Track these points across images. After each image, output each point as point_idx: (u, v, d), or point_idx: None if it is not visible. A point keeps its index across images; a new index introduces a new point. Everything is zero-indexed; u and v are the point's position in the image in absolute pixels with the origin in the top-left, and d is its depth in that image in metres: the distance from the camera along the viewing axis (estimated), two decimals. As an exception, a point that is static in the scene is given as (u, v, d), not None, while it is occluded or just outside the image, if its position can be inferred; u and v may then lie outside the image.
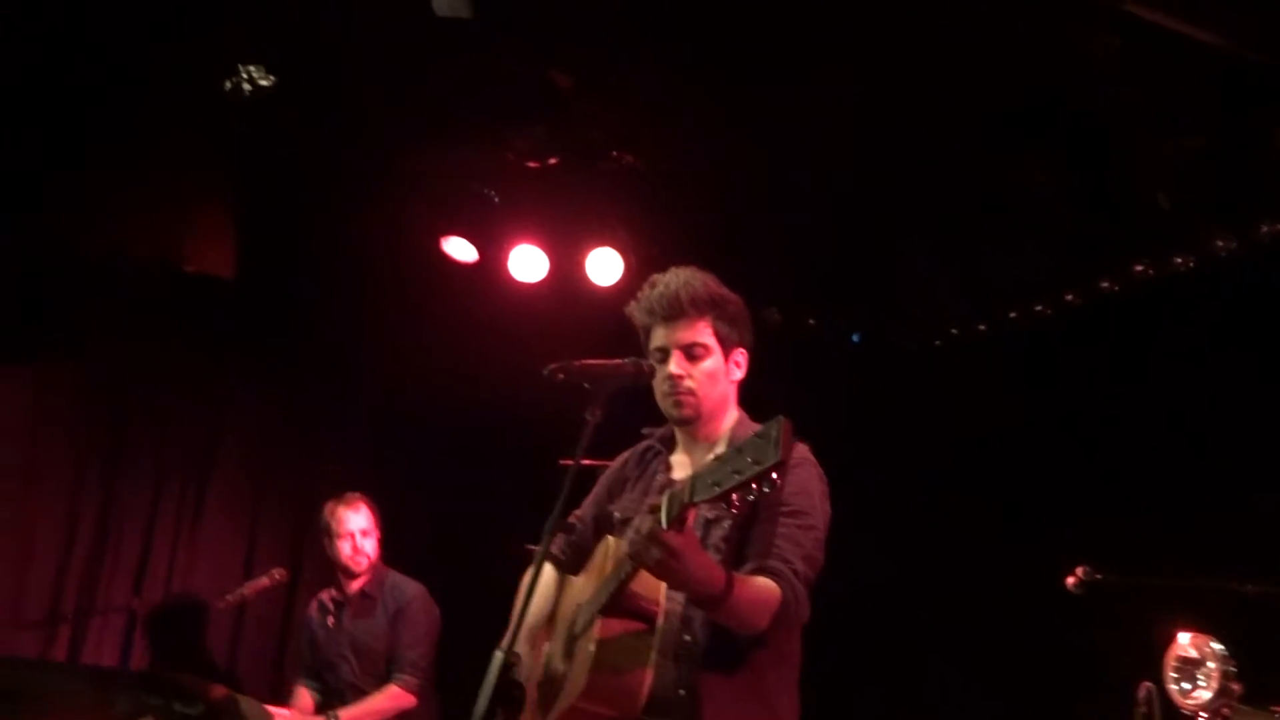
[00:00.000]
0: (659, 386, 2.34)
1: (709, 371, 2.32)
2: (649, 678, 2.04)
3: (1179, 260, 4.55)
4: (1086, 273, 4.91)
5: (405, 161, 4.88)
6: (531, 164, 4.62)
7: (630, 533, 2.04)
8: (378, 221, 5.12)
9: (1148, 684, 2.79)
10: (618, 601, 2.04)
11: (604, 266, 5.10)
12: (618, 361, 2.25)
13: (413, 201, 5.09)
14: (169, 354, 5.22)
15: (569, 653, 2.21)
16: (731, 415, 2.40)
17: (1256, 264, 4.25)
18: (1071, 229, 4.65)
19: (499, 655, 1.93)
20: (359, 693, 4.20)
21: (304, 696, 4.33)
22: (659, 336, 2.36)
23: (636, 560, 1.94)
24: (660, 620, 2.08)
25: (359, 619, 4.28)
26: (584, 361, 2.21)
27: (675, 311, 2.33)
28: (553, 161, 4.62)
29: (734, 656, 2.14)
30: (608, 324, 2.55)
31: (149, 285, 4.84)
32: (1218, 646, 2.64)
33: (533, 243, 5.15)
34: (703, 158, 4.79)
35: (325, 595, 4.42)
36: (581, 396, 2.20)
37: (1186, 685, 2.66)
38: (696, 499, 1.80)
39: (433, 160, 4.86)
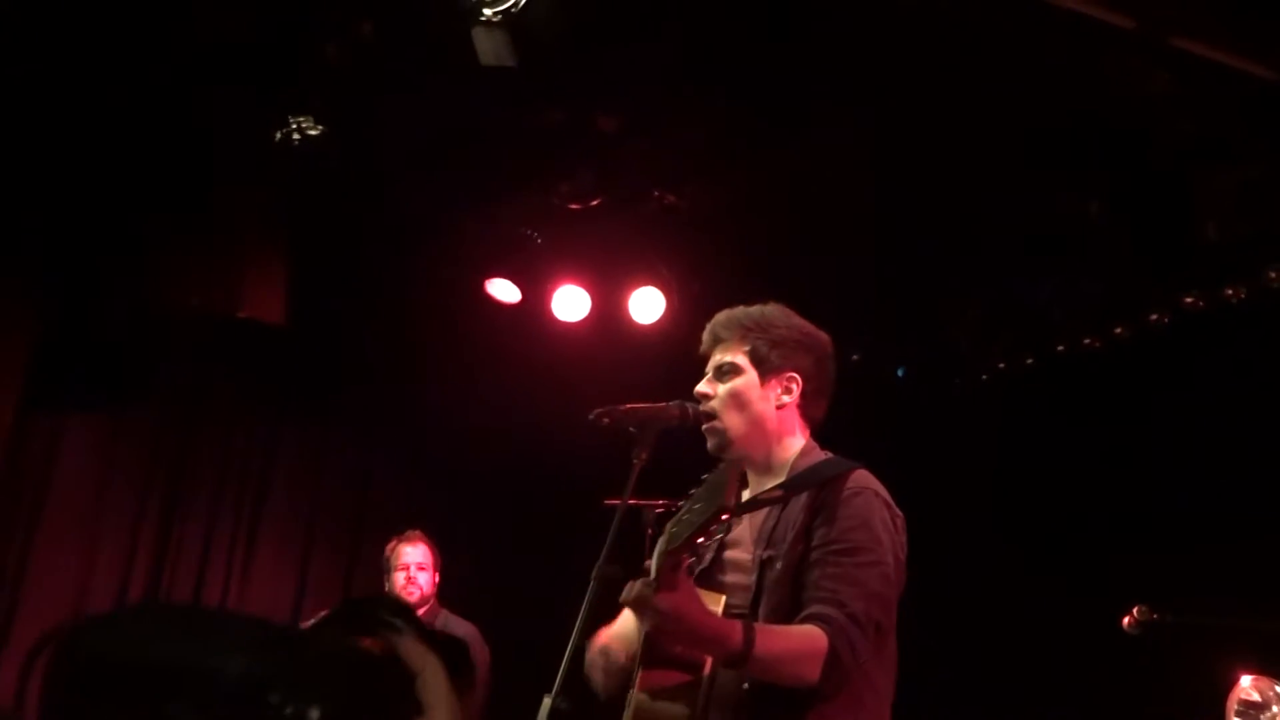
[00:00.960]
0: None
1: (734, 391, 2.25)
2: None
3: (1229, 292, 4.48)
4: (1135, 305, 4.85)
5: (452, 206, 4.96)
6: (574, 206, 4.67)
7: (730, 576, 2.08)
8: (424, 264, 5.19)
9: (1209, 728, 2.72)
10: (652, 652, 2.00)
11: (646, 305, 5.13)
12: (663, 405, 2.25)
13: (458, 244, 5.16)
14: (225, 399, 5.35)
15: (626, 703, 2.15)
16: (793, 443, 2.29)
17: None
18: (1119, 261, 4.60)
19: (547, 702, 1.93)
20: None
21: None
22: (712, 361, 2.35)
23: (639, 622, 1.95)
24: (707, 670, 2.03)
25: None
26: (629, 406, 2.21)
27: (713, 339, 2.34)
28: (595, 203, 4.66)
29: (794, 709, 2.03)
30: (651, 362, 2.57)
31: (205, 333, 4.96)
32: (1282, 689, 2.57)
33: (575, 283, 5.19)
34: (745, 195, 4.81)
35: None
36: (628, 439, 2.21)
37: (1250, 730, 2.59)
38: (668, 548, 1.83)
39: (479, 205, 4.94)
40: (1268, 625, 2.92)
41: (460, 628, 4.34)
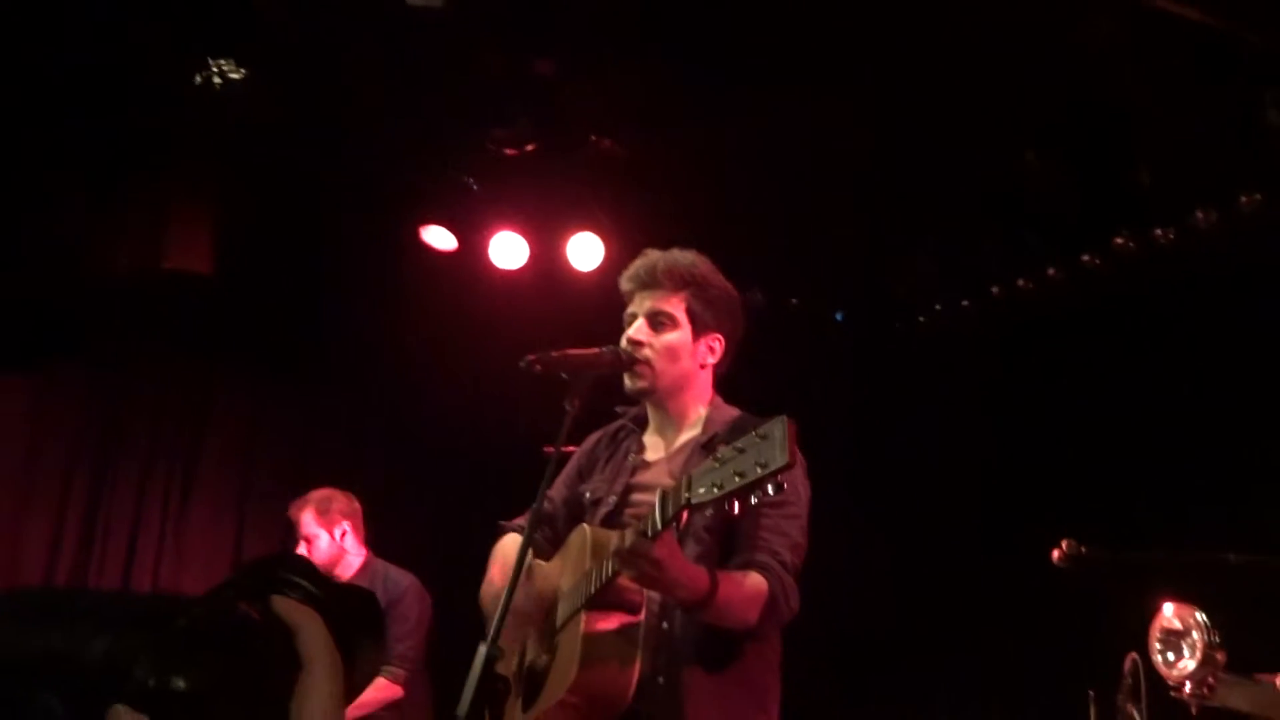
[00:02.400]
0: (622, 356, 2.33)
1: (670, 344, 2.31)
2: (635, 668, 2.04)
3: (1159, 233, 4.55)
4: (1068, 248, 4.92)
5: (386, 152, 4.85)
6: (510, 151, 4.59)
7: (615, 534, 2.01)
8: (356, 212, 5.08)
9: (1133, 655, 2.80)
10: (603, 595, 2.03)
11: (585, 252, 5.09)
12: (595, 351, 2.24)
13: (391, 191, 5.06)
14: (155, 354, 5.23)
15: (550, 646, 2.20)
16: (704, 398, 2.38)
17: (1237, 236, 4.26)
18: (1054, 204, 4.65)
19: (483, 650, 1.92)
20: (349, 684, 4.19)
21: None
22: (634, 303, 2.36)
23: (622, 570, 1.93)
24: (643, 613, 2.08)
25: None
26: (561, 352, 2.20)
27: (651, 280, 2.34)
28: (531, 148, 4.59)
29: (714, 645, 2.13)
30: (590, 310, 2.55)
31: (131, 287, 4.82)
32: (1202, 617, 2.64)
33: (513, 229, 5.13)
34: (683, 141, 4.77)
35: None
36: (561, 386, 2.19)
37: (1171, 656, 2.66)
38: (695, 501, 1.76)
39: (413, 151, 4.84)
40: (1189, 556, 3.01)
41: (402, 579, 4.32)
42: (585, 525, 2.25)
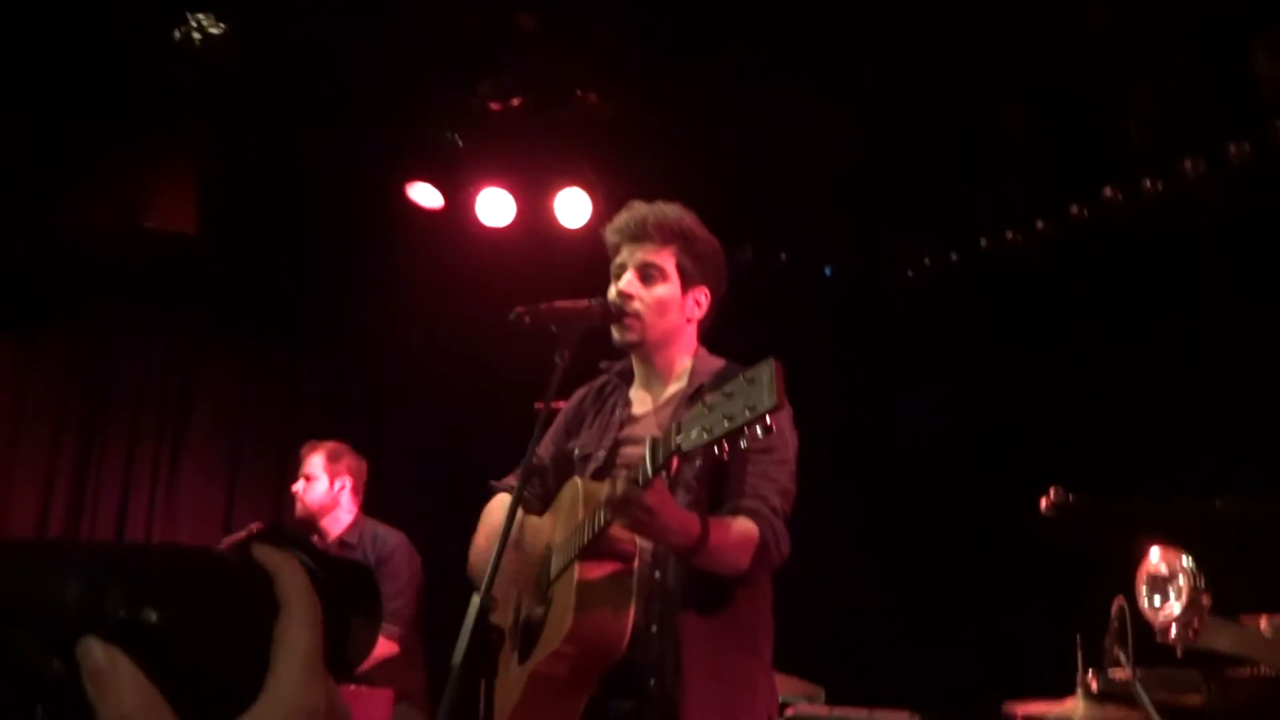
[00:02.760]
0: (611, 308, 2.31)
1: (660, 298, 2.30)
2: (630, 615, 2.05)
3: (1148, 183, 4.55)
4: (1057, 199, 4.91)
5: (369, 109, 4.80)
6: (495, 106, 4.55)
7: (607, 483, 2.00)
8: (341, 169, 5.04)
9: (1120, 600, 2.83)
10: (597, 545, 2.04)
11: (572, 208, 5.06)
12: (584, 303, 2.23)
13: (376, 148, 5.01)
14: (140, 315, 5.19)
15: (544, 598, 2.21)
16: (690, 350, 2.38)
17: (1225, 185, 4.26)
18: (1041, 156, 4.63)
19: (476, 600, 1.93)
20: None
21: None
22: (621, 255, 2.34)
23: (614, 518, 1.93)
24: (636, 562, 2.09)
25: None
26: (550, 304, 2.19)
27: (640, 233, 2.32)
28: (516, 103, 4.55)
29: (706, 592, 2.15)
30: (578, 266, 2.53)
31: (114, 247, 4.77)
32: (1188, 561, 2.67)
33: (499, 186, 5.09)
34: (669, 95, 4.73)
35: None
36: (550, 339, 2.18)
37: (1158, 600, 2.69)
38: (685, 447, 1.76)
39: (397, 107, 4.78)
40: (1176, 503, 3.04)
41: (391, 537, 4.33)
42: (577, 478, 2.25)
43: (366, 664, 4.28)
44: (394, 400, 5.46)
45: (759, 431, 1.67)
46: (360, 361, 5.54)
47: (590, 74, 4.69)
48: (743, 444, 1.71)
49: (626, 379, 2.45)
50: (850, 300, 5.63)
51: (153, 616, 0.49)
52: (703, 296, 2.37)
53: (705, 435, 1.71)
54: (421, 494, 4.91)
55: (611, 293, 2.33)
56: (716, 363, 2.35)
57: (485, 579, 1.94)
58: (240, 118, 4.72)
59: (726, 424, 1.67)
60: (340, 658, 0.58)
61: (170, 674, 0.49)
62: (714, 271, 2.38)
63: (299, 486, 4.33)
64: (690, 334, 2.39)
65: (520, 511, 2.40)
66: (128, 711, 0.47)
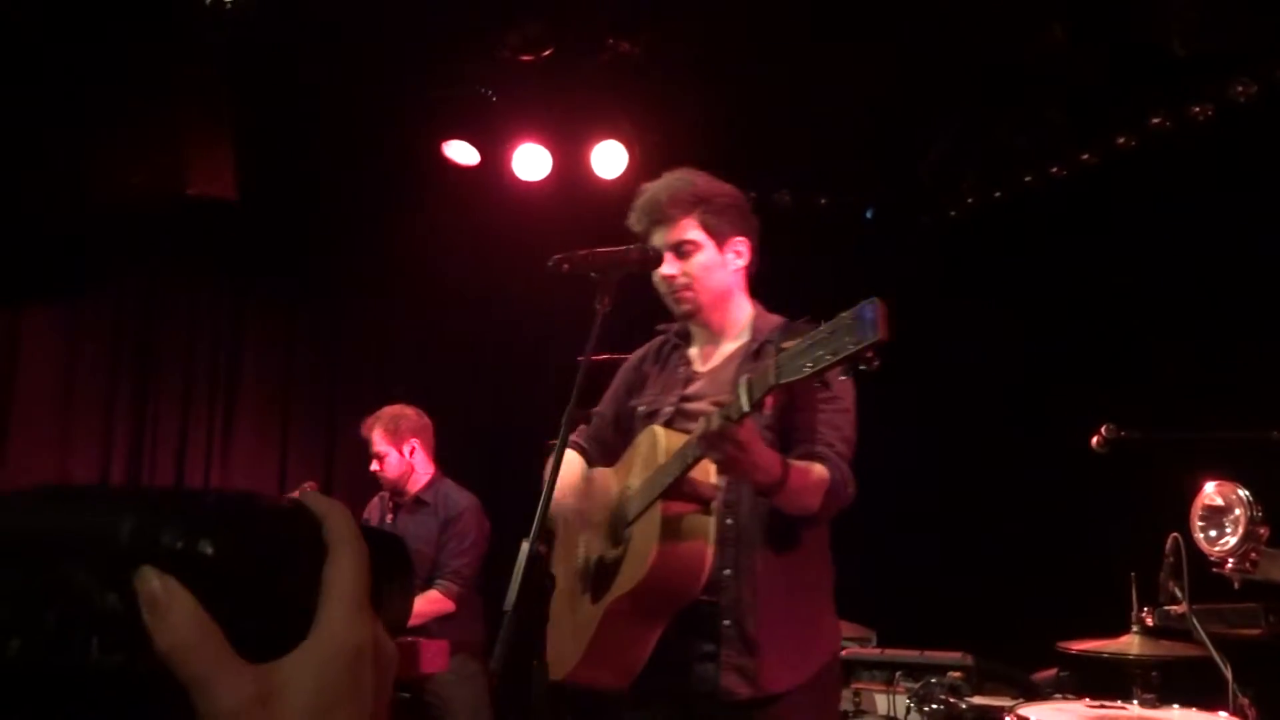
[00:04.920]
0: (660, 289, 2.40)
1: (702, 265, 2.37)
2: (709, 555, 2.13)
3: (1197, 110, 4.42)
4: (1102, 130, 4.79)
5: (401, 67, 4.78)
6: (525, 58, 4.51)
7: (700, 421, 2.05)
8: (378, 130, 5.04)
9: (1175, 535, 2.80)
10: (678, 487, 2.10)
11: (609, 159, 5.04)
12: (622, 249, 2.24)
13: (411, 107, 5.00)
14: (184, 281, 5.26)
15: (617, 539, 2.27)
16: (744, 305, 2.44)
17: (1277, 109, 4.13)
18: (1084, 85, 4.51)
19: (525, 547, 1.95)
20: (401, 593, 4.30)
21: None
22: (653, 241, 2.39)
23: (707, 453, 1.98)
24: (716, 504, 2.15)
25: (411, 521, 4.38)
26: (588, 250, 2.19)
27: (659, 214, 2.37)
28: (547, 54, 4.50)
29: (778, 536, 2.23)
30: (616, 217, 2.53)
31: (157, 215, 4.82)
32: (1244, 493, 2.63)
33: (535, 141, 5.07)
34: (701, 41, 4.66)
35: (387, 494, 4.52)
36: (590, 287, 2.19)
37: (1214, 533, 2.66)
38: (784, 380, 1.79)
39: (429, 65, 4.76)
40: (1230, 434, 2.99)
41: (462, 498, 4.39)
42: (655, 426, 2.30)
43: (425, 618, 4.38)
44: (437, 357, 5.51)
45: (863, 365, 1.69)
46: (403, 319, 5.59)
47: (620, 20, 4.63)
48: (842, 377, 1.75)
49: (685, 339, 2.51)
50: (892, 241, 5.56)
51: (209, 549, 0.49)
52: (741, 245, 2.41)
53: (809, 368, 1.74)
54: (466, 449, 4.94)
55: (658, 281, 2.39)
56: (775, 319, 2.41)
57: (534, 527, 1.97)
58: (274, 82, 4.73)
59: (830, 358, 1.70)
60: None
61: (225, 606, 0.49)
62: (742, 218, 2.43)
63: (375, 467, 4.39)
64: (741, 284, 2.44)
65: (583, 463, 2.52)
66: (183, 639, 0.48)
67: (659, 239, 2.37)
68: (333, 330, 5.59)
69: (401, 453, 4.38)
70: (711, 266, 2.36)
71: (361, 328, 5.61)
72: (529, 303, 5.00)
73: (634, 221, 2.42)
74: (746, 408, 1.88)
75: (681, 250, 2.36)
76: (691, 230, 2.36)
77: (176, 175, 4.45)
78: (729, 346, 2.41)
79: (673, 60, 4.78)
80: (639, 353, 2.59)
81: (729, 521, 2.21)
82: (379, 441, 4.37)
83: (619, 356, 2.89)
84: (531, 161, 5.09)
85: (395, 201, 5.27)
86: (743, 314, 2.42)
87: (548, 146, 5.09)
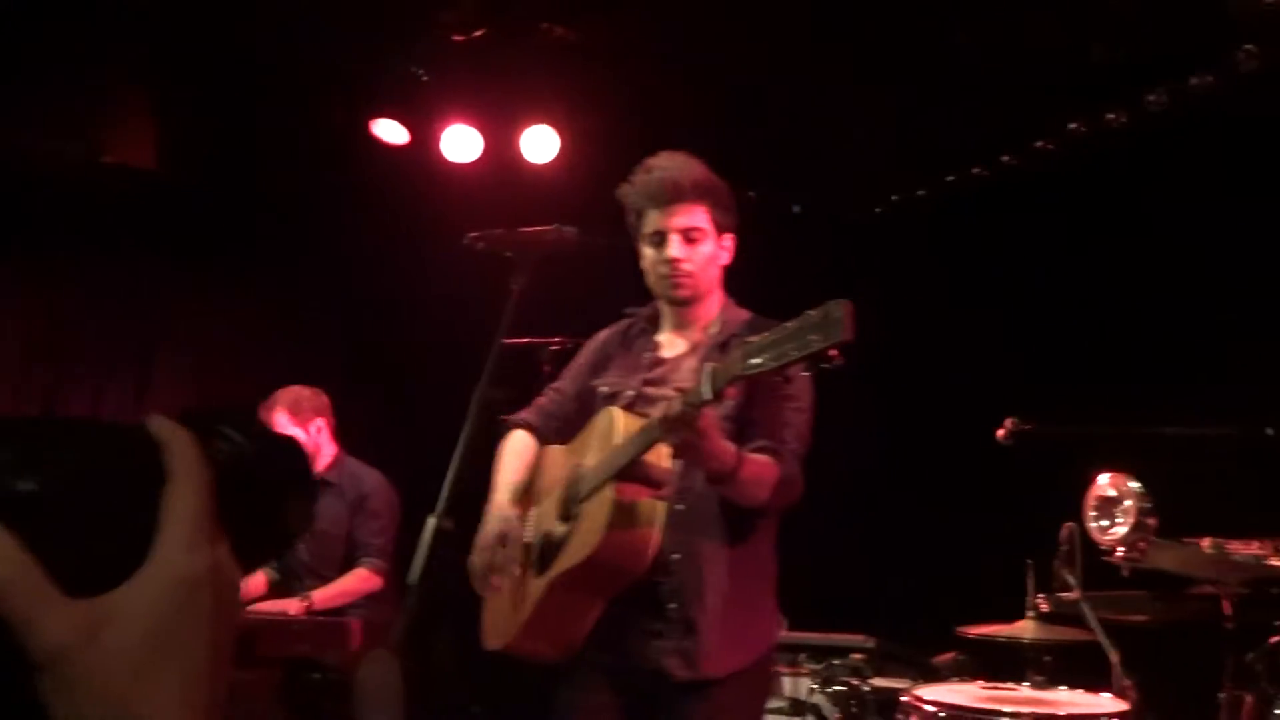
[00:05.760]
0: (653, 269, 2.41)
1: (706, 254, 2.39)
2: (655, 538, 2.16)
3: (1111, 116, 4.56)
4: (1022, 133, 4.92)
5: (330, 43, 4.72)
6: (458, 37, 4.49)
7: (660, 405, 2.08)
8: (304, 104, 4.97)
9: (1070, 525, 2.90)
10: (632, 469, 2.14)
11: (540, 143, 5.03)
12: (540, 229, 2.25)
13: (340, 82, 4.94)
14: (100, 251, 5.13)
15: (568, 515, 2.30)
16: (720, 298, 2.48)
17: (1188, 118, 4.28)
18: (1006, 88, 4.63)
19: (431, 521, 1.97)
20: (313, 575, 4.26)
21: (258, 575, 4.40)
22: (654, 220, 2.39)
23: (666, 436, 2.01)
24: (668, 489, 2.20)
25: (318, 503, 4.34)
26: (505, 230, 2.20)
27: (676, 195, 2.36)
28: (480, 34, 4.49)
29: (727, 524, 2.28)
30: (546, 201, 2.55)
31: (72, 181, 4.70)
32: (1135, 485, 2.73)
33: (465, 122, 5.05)
34: (638, 29, 4.68)
35: None
36: (507, 265, 2.20)
37: (1105, 523, 2.76)
38: (748, 372, 1.83)
39: (359, 41, 4.71)
40: (1126, 429, 3.11)
41: (369, 476, 4.36)
42: (614, 409, 2.33)
43: (356, 596, 4.38)
44: (361, 336, 5.46)
45: (825, 363, 1.75)
46: (326, 298, 5.52)
47: (557, 4, 4.62)
48: (805, 373, 1.81)
49: (653, 324, 2.53)
50: (818, 237, 5.64)
51: (30, 486, 0.49)
52: (729, 242, 2.46)
53: (773, 362, 1.78)
54: (389, 430, 4.92)
55: (653, 261, 2.40)
56: (744, 314, 2.46)
57: (441, 500, 1.99)
58: (201, 50, 4.63)
59: (795, 353, 1.74)
60: (276, 531, 0.59)
61: (47, 544, 0.48)
62: (734, 216, 2.48)
63: None
64: (720, 278, 2.49)
65: (534, 441, 2.55)
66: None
67: (663, 219, 2.36)
68: (253, 308, 5.50)
69: (308, 432, 4.34)
70: (712, 258, 2.41)
71: (282, 306, 5.53)
72: (453, 283, 4.98)
73: (638, 196, 2.41)
74: (708, 395, 1.91)
75: (691, 236, 2.37)
76: (702, 219, 2.38)
77: (93, 142, 4.34)
78: (697, 336, 2.45)
79: (608, 46, 4.79)
80: (604, 333, 2.61)
81: (680, 507, 2.24)
82: (283, 424, 4.32)
83: (547, 340, 2.91)
84: (462, 143, 5.06)
85: (321, 178, 5.20)
86: (716, 307, 2.47)
87: (479, 128, 5.06)
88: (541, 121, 5.02)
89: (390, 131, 5.05)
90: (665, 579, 2.22)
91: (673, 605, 2.22)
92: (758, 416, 2.27)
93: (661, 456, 2.15)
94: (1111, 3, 4.12)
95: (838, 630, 3.84)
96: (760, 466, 2.18)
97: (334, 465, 4.38)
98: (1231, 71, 4.08)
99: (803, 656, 3.61)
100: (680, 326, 2.47)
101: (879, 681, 3.37)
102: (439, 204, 5.12)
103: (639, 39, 4.72)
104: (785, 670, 3.69)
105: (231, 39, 4.61)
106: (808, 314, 1.76)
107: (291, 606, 4.08)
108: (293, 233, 5.33)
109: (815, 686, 3.44)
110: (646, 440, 2.08)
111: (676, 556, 2.22)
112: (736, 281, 2.56)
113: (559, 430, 2.53)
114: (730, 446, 2.10)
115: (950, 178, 5.30)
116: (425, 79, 4.95)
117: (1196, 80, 4.22)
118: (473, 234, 2.19)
